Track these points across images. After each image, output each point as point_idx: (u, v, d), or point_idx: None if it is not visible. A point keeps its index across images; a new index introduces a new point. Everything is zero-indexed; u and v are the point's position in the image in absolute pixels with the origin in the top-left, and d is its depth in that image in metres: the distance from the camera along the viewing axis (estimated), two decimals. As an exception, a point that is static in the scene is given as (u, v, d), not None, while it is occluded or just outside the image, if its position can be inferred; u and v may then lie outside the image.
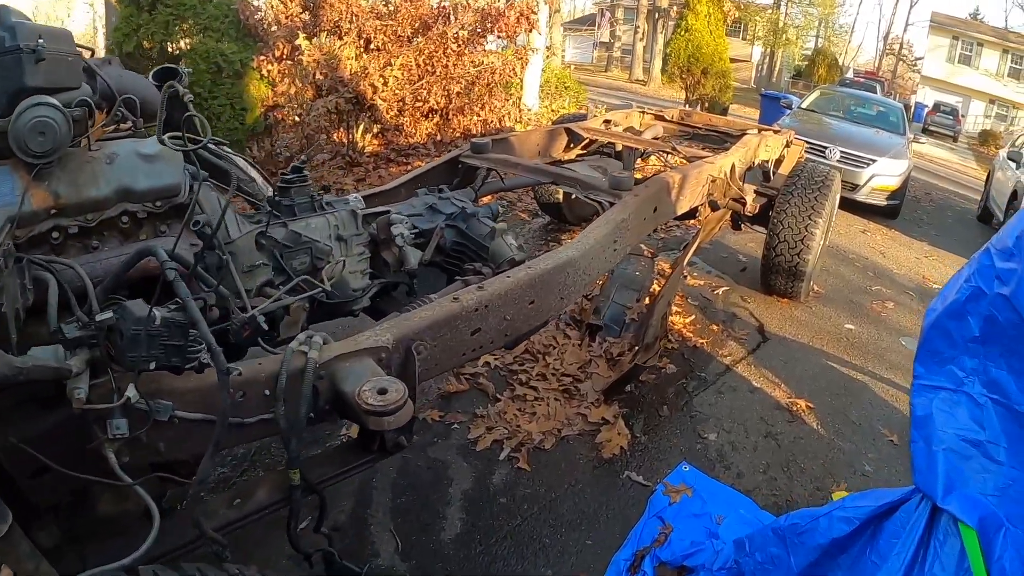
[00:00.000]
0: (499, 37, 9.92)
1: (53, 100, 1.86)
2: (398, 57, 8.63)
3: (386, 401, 1.97)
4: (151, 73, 2.70)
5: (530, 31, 10.16)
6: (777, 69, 43.58)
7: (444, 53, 9.02)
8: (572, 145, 5.93)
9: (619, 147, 5.91)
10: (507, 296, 2.83)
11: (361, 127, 9.03)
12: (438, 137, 9.26)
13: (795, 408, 4.51)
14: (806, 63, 41.81)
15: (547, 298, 3.04)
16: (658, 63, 31.47)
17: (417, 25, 9.07)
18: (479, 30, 9.46)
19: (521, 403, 4.22)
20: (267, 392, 2.03)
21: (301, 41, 8.22)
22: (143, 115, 2.69)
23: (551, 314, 3.24)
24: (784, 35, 43.67)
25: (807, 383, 4.88)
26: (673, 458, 3.90)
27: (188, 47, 8.26)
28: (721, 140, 6.81)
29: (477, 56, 9.64)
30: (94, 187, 2.09)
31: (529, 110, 12.39)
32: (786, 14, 44.45)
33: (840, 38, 47.95)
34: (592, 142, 5.91)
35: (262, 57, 8.20)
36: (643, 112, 7.17)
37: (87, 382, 1.64)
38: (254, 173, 3.55)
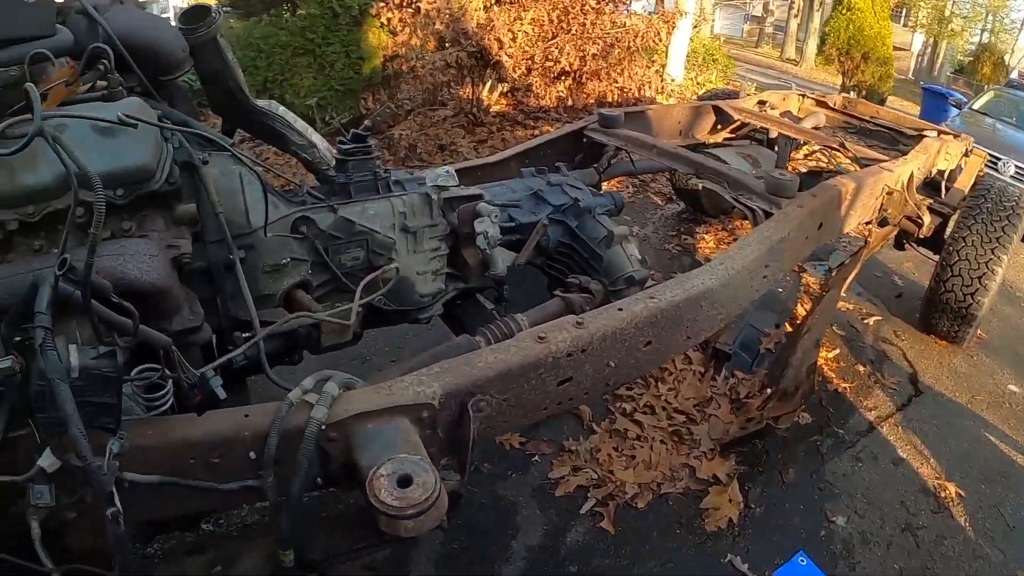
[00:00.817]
0: None
1: None
2: (529, 11, 7.82)
3: (406, 500, 1.44)
4: (179, 17, 2.33)
5: None
6: (940, 62, 40.16)
7: (581, 10, 8.14)
8: (719, 126, 5.07)
9: (773, 134, 4.99)
10: (615, 337, 2.09)
11: (488, 84, 8.30)
12: (569, 102, 8.41)
13: (943, 494, 3.52)
14: (970, 59, 38.33)
15: (669, 338, 2.29)
16: (813, 43, 29.39)
17: None
18: None
19: (620, 440, 3.44)
20: (252, 455, 1.60)
21: (416, -16, 7.53)
22: (166, 69, 2.34)
23: (671, 357, 2.47)
24: (949, 25, 40.17)
25: (959, 460, 3.84)
26: (790, 542, 3.06)
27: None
28: (892, 140, 5.68)
29: (618, 17, 8.71)
30: (31, 171, 1.65)
31: (673, 81, 11.37)
32: (953, 2, 40.80)
33: (1009, 35, 43.57)
34: (743, 125, 5.01)
35: (382, 3, 7.60)
36: (803, 96, 6.15)
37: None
38: (316, 138, 2.89)
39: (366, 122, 2.64)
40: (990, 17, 43.15)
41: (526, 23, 7.77)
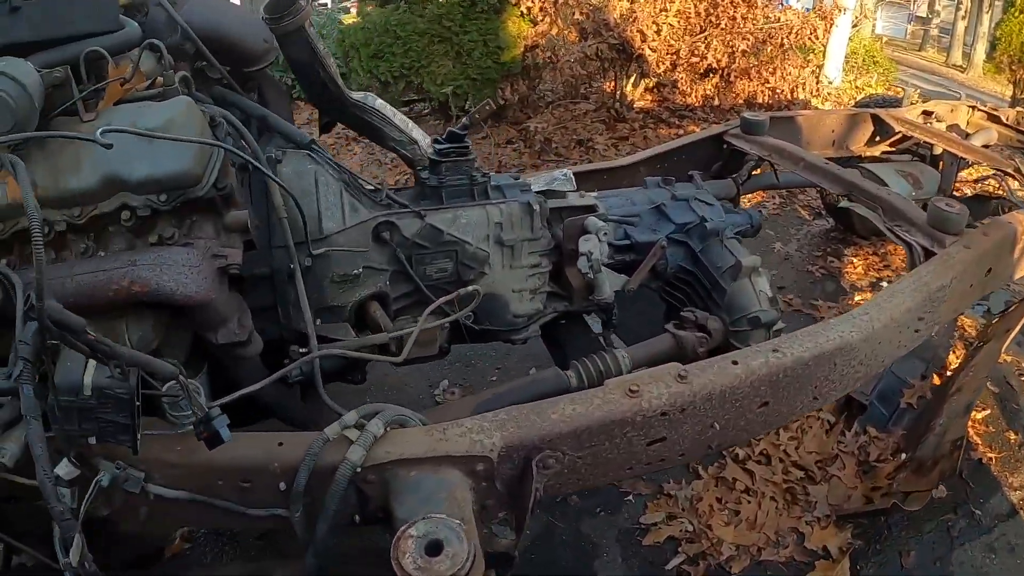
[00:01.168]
0: None
1: (7, 64, 1.47)
2: (675, 2, 7.38)
3: (430, 572, 1.27)
4: (264, 5, 2.18)
5: None
6: None
7: (731, 2, 7.61)
8: (878, 138, 4.52)
9: (938, 151, 4.44)
10: (724, 397, 1.75)
11: (632, 78, 7.93)
12: (716, 102, 7.94)
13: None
14: None
15: (791, 399, 1.93)
16: (981, 48, 27.07)
17: None
18: None
19: (726, 491, 3.04)
20: (282, 486, 1.53)
21: (558, -30, 7.22)
22: (248, 60, 2.30)
23: (789, 420, 2.11)
24: None
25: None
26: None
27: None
28: None
29: (772, 11, 8.14)
30: (75, 173, 1.61)
31: (829, 83, 10.61)
32: None
33: None
34: (904, 138, 4.47)
35: (522, -9, 7.30)
36: (973, 108, 5.48)
37: (21, 439, 1.32)
38: (417, 133, 2.67)
39: (464, 120, 2.39)
40: None
41: (671, 15, 7.34)
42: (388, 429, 1.56)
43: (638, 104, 8.28)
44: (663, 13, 7.30)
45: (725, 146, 3.68)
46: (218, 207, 1.74)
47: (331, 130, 2.76)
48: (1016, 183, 4.14)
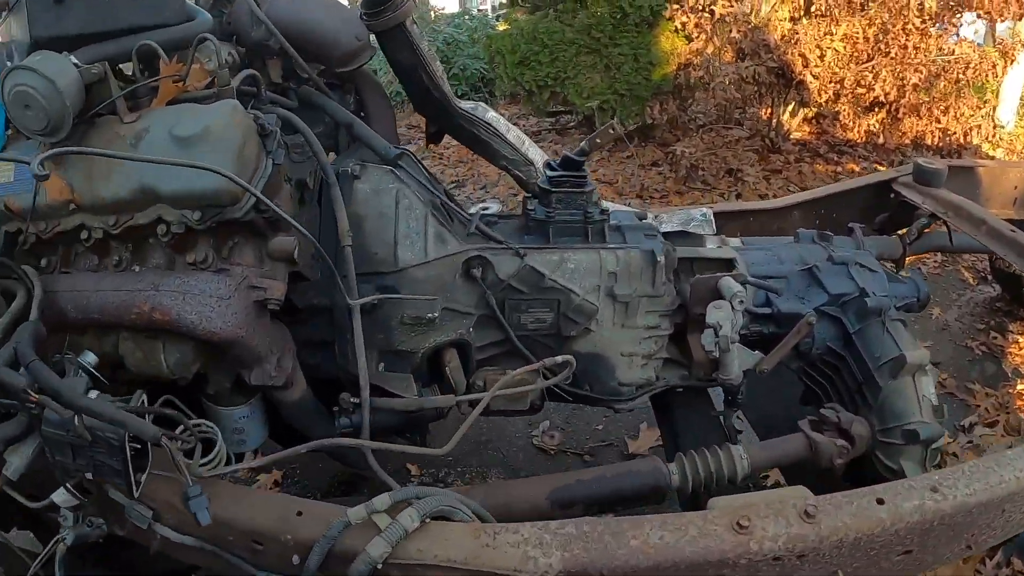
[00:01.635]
0: (979, 17, 7.48)
1: (41, 60, 1.39)
2: (840, 25, 6.77)
3: None
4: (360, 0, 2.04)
5: (1021, 17, 7.55)
6: None
7: (903, 29, 6.86)
8: None
9: None
10: (860, 543, 1.37)
11: (790, 106, 7.40)
12: (880, 139, 7.27)
13: None
14: None
15: (939, 549, 1.52)
16: None
17: None
18: (952, 3, 7.16)
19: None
20: (296, 559, 1.40)
21: (711, -13, 6.75)
22: (339, 59, 2.06)
23: (932, 568, 1.70)
24: None
25: None
26: None
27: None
28: None
29: (945, 42, 7.36)
30: (107, 180, 1.50)
31: (1001, 127, 9.65)
32: None
33: None
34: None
35: (676, 5, 6.86)
36: None
37: (26, 455, 1.33)
38: (534, 153, 2.38)
39: (582, 144, 2.06)
40: None
41: (837, 39, 6.74)
42: (427, 520, 1.32)
43: (794, 135, 7.75)
44: (828, 37, 6.72)
45: (893, 195, 3.25)
46: (261, 231, 1.52)
47: (439, 141, 2.52)
48: None
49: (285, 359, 1.62)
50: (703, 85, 7.11)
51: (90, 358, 1.42)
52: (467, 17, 13.49)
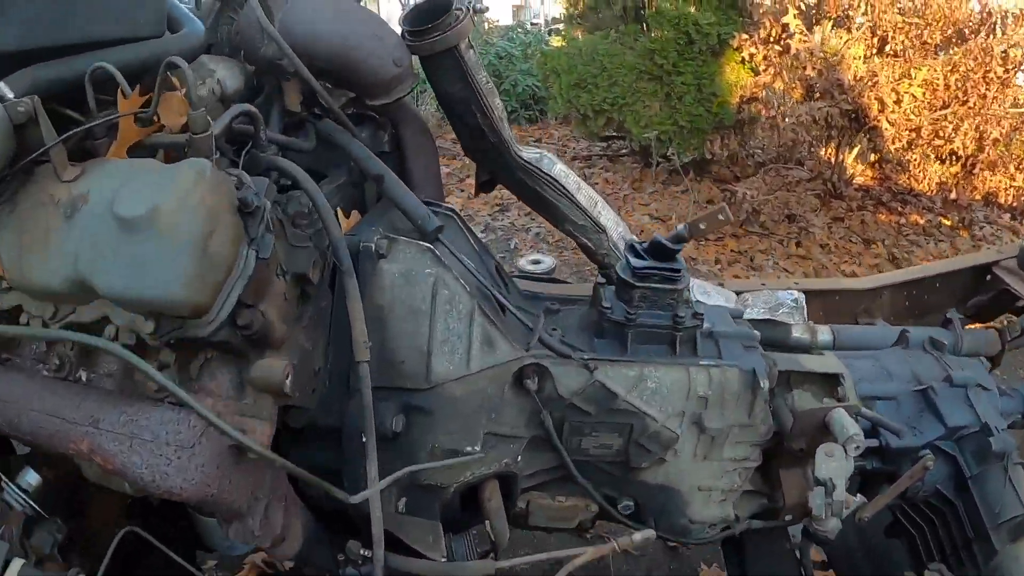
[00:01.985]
0: None
1: None
2: (920, 69, 6.29)
3: None
4: (403, 15, 1.69)
5: None
6: None
7: (983, 77, 6.41)
8: None
9: None
10: None
11: (855, 150, 6.92)
12: (951, 194, 6.75)
13: None
14: None
15: None
16: None
17: (950, 32, 6.58)
18: None
19: None
20: None
21: (790, 19, 6.28)
22: (370, 89, 1.67)
23: None
24: None
25: None
26: None
27: (656, 10, 6.80)
28: None
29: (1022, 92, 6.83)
30: (39, 258, 1.10)
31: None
32: None
33: None
34: None
35: (745, 36, 6.46)
36: None
37: None
38: (607, 218, 2.00)
39: (679, 228, 1.61)
40: None
41: (916, 84, 6.26)
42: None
43: (858, 180, 7.28)
44: (905, 80, 6.25)
45: (989, 277, 2.82)
46: (240, 350, 1.12)
47: (491, 189, 2.13)
48: None
49: (274, 510, 1.22)
50: (768, 121, 6.67)
51: (31, 477, 1.15)
52: (520, 30, 13.12)
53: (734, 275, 5.49)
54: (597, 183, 7.23)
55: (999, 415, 1.88)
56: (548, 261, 2.88)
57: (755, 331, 1.71)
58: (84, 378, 1.16)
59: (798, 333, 2.03)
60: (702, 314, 1.61)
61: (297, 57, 1.50)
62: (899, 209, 7.41)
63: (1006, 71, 6.48)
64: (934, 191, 6.69)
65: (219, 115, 1.29)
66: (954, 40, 6.57)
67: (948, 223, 7.29)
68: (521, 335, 1.52)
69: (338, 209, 1.56)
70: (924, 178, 6.75)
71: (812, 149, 7.34)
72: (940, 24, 6.48)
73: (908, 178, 7.01)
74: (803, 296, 2.20)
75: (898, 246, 6.62)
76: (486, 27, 12.17)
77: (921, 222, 7.41)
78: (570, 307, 1.77)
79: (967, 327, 2.69)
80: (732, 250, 5.88)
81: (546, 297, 1.89)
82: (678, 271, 1.58)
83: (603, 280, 1.73)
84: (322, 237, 1.35)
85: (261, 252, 1.10)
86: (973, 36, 6.49)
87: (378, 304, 1.42)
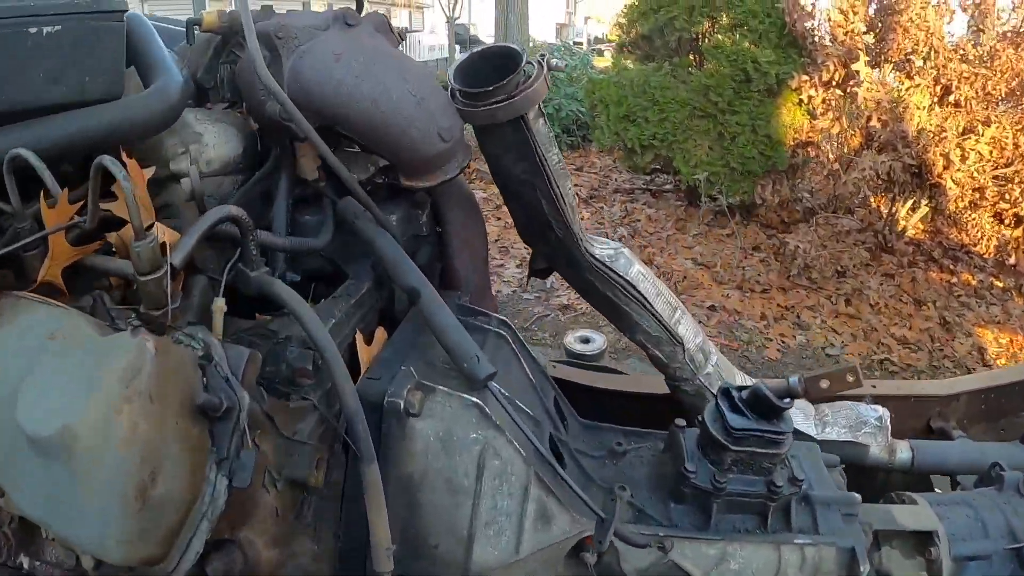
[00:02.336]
0: None
1: None
2: (989, 126, 5.96)
3: None
4: (455, 67, 1.35)
5: None
6: None
7: None
8: None
9: None
10: None
11: (909, 202, 6.61)
12: (1011, 259, 6.40)
13: None
14: None
15: None
16: None
17: (1015, 83, 6.18)
18: None
19: None
20: None
21: (860, 67, 5.99)
22: (406, 167, 1.37)
23: None
24: None
25: None
26: None
27: (712, 44, 6.54)
28: None
29: None
30: None
31: None
32: None
33: None
34: None
35: (804, 77, 6.18)
36: None
37: None
38: (686, 327, 1.77)
39: (792, 381, 1.34)
40: None
41: (983, 141, 5.93)
42: None
43: (910, 232, 6.96)
44: (970, 136, 5.93)
45: None
46: None
47: (546, 277, 1.81)
48: None
49: None
50: (825, 170, 6.37)
51: None
52: (567, 51, 12.86)
53: (780, 332, 5.23)
54: (639, 219, 6.99)
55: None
56: (598, 341, 2.65)
57: (854, 496, 1.46)
58: (26, 566, 0.90)
59: (876, 451, 1.86)
60: (802, 480, 1.36)
61: (307, 121, 1.20)
62: (951, 267, 7.10)
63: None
64: (992, 253, 6.34)
65: (212, 189, 1.03)
66: (1018, 93, 6.25)
67: (1000, 284, 6.98)
68: (581, 501, 1.26)
69: (357, 334, 1.29)
70: (982, 238, 6.42)
71: (864, 197, 7.05)
72: (1006, 75, 6.17)
73: (961, 233, 6.70)
74: (888, 414, 1.97)
75: (949, 308, 6.32)
76: (530, 45, 11.93)
77: (973, 282, 7.10)
78: (639, 446, 1.53)
79: None
80: (779, 304, 5.60)
81: (609, 430, 1.64)
82: (783, 434, 1.33)
83: (682, 423, 1.47)
84: (331, 397, 1.09)
85: (236, 479, 0.86)
86: None
87: (408, 473, 1.17)
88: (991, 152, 6.02)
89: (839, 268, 6.02)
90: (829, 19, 6.45)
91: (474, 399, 1.18)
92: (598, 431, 1.64)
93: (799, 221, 6.82)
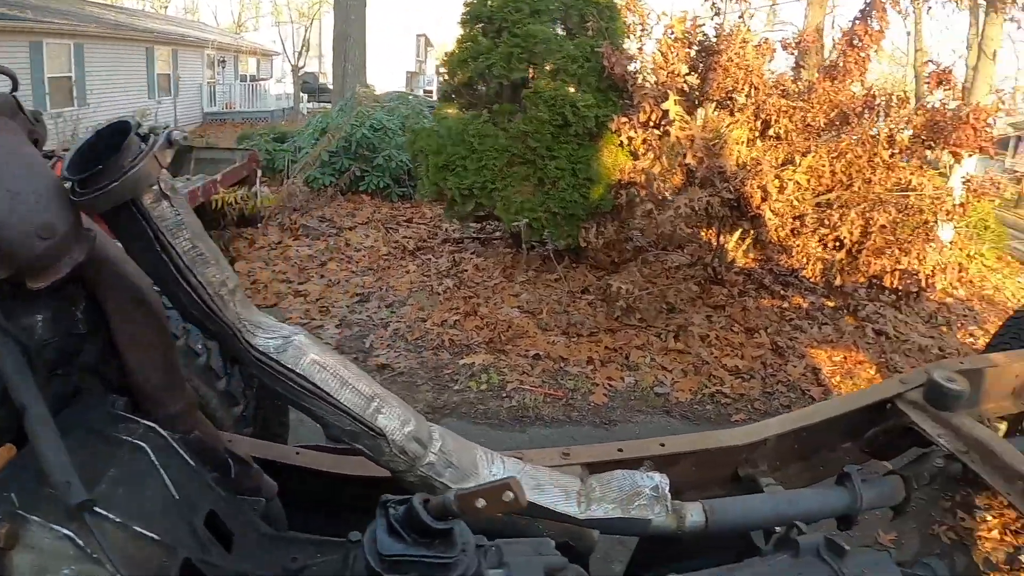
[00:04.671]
0: (951, 154, 6.80)
1: None
2: (806, 154, 6.07)
3: None
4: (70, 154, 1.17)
5: (980, 151, 6.89)
6: None
7: (868, 162, 6.23)
8: None
9: None
10: None
11: (737, 234, 6.65)
12: (837, 280, 6.38)
13: None
14: None
15: None
16: None
17: (833, 114, 6.39)
18: (923, 138, 6.43)
19: None
20: None
21: (670, 105, 5.98)
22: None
23: None
24: None
25: None
26: None
27: (532, 90, 6.45)
28: None
29: (903, 173, 6.66)
30: None
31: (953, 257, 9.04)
32: None
33: None
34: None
35: (624, 119, 6.12)
36: None
37: None
38: (387, 417, 1.49)
39: (445, 497, 1.04)
40: None
41: (800, 171, 6.01)
42: None
43: (741, 262, 7.00)
44: (788, 167, 6.00)
45: (889, 407, 2.43)
46: None
47: None
48: None
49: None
50: (647, 213, 6.31)
51: None
52: (410, 99, 12.67)
53: (607, 376, 5.05)
54: (467, 269, 6.78)
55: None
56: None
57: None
58: None
59: (661, 521, 1.64)
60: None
61: None
62: (781, 292, 7.20)
63: (891, 155, 6.35)
64: (818, 277, 6.39)
65: None
66: (837, 123, 6.40)
67: (832, 304, 7.10)
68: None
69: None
70: (808, 262, 6.46)
71: (691, 231, 7.06)
72: (823, 107, 6.31)
73: (788, 258, 6.75)
74: (665, 481, 1.73)
75: (781, 333, 6.35)
76: (361, 94, 11.69)
77: (804, 305, 7.21)
78: (323, 559, 1.23)
79: (868, 471, 2.33)
80: (607, 347, 5.45)
81: (295, 541, 1.34)
82: (450, 559, 1.05)
83: (356, 537, 1.17)
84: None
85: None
86: (857, 119, 6.34)
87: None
88: (809, 180, 6.11)
89: (667, 304, 5.94)
90: (654, 61, 6.48)
91: (66, 531, 1.05)
92: (281, 544, 1.36)
93: (629, 261, 6.75)
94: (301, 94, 27.24)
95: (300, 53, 25.53)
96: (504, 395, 4.70)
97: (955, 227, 10.32)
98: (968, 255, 12.56)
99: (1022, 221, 26.01)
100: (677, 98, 5.98)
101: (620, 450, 2.09)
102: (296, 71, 27.09)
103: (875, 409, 2.50)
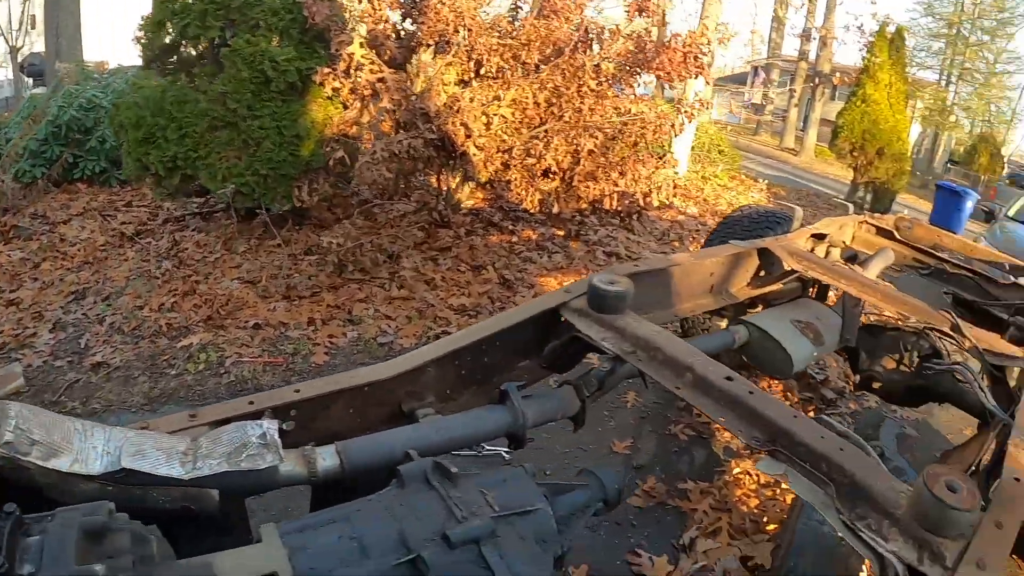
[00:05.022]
0: (659, 79, 7.24)
1: None
2: (511, 90, 6.20)
3: None
4: None
5: (696, 76, 7.41)
6: (939, 153, 38.66)
7: (578, 91, 6.42)
8: (765, 273, 3.40)
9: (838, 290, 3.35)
10: None
11: (460, 175, 6.71)
12: (555, 208, 6.61)
13: None
14: (967, 149, 37.31)
15: None
16: (813, 133, 28.62)
17: (548, 51, 6.58)
18: (629, 65, 6.78)
19: None
20: None
21: (355, 49, 5.87)
22: None
23: None
24: (952, 116, 39.06)
25: None
26: None
27: (230, 48, 6.11)
28: (977, 287, 4.20)
29: (623, 102, 6.96)
30: None
31: (675, 175, 9.68)
32: (955, 93, 39.86)
33: (1006, 125, 42.49)
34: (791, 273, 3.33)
35: (327, 70, 5.93)
36: (862, 222, 4.58)
37: None
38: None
39: None
40: (993, 107, 41.87)
41: (504, 105, 6.14)
42: None
43: (467, 203, 7.10)
44: (495, 102, 6.12)
45: (563, 320, 2.41)
46: None
47: None
48: (953, 347, 3.14)
49: None
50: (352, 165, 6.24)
51: None
52: (129, 71, 11.67)
53: (329, 334, 5.00)
54: (187, 248, 6.43)
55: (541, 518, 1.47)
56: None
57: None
58: None
59: (288, 468, 1.58)
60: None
61: None
62: (511, 228, 7.37)
63: (599, 84, 6.59)
64: (537, 208, 6.61)
65: None
66: (553, 59, 6.55)
67: (562, 233, 7.36)
68: None
69: None
70: (527, 196, 6.65)
71: (412, 181, 7.06)
72: (538, 44, 6.44)
73: (515, 195, 6.92)
74: (274, 427, 1.63)
75: (509, 267, 6.51)
76: (85, 67, 10.69)
77: (534, 237, 7.43)
78: None
79: (538, 387, 2.33)
80: (329, 305, 5.36)
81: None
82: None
83: None
84: None
85: None
86: (572, 54, 6.49)
87: None
88: (514, 114, 6.25)
89: (386, 253, 5.93)
90: (356, 5, 6.31)
91: None
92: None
93: (350, 217, 6.68)
94: (27, 79, 24.58)
95: (21, 31, 22.90)
96: (223, 371, 4.53)
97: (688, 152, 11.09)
98: (703, 177, 13.57)
99: (754, 145, 28.45)
100: (363, 39, 5.90)
101: (251, 403, 1.87)
102: (15, 52, 24.40)
103: (547, 323, 2.48)
